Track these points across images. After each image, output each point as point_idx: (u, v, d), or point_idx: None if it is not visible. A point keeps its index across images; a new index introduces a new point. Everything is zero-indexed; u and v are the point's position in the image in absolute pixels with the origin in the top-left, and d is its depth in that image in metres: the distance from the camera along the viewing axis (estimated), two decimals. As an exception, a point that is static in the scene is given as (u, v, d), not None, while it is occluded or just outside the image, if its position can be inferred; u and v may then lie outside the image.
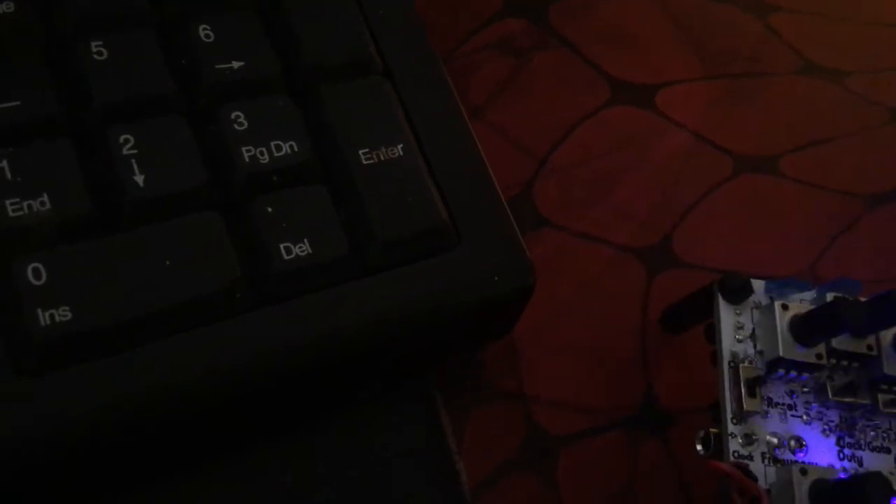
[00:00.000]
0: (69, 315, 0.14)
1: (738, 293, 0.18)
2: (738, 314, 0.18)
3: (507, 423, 0.19)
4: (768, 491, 0.16)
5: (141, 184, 0.15)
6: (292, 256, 0.16)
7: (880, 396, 0.18)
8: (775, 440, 0.17)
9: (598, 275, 0.21)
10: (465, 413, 0.18)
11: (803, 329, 0.17)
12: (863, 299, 0.18)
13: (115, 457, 0.15)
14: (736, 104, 0.24)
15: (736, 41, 0.25)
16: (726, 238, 0.22)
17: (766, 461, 0.17)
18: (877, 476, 0.15)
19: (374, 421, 0.18)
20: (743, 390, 0.17)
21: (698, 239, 0.22)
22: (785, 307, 0.17)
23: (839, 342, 0.17)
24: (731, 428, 0.17)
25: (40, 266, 0.14)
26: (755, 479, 0.16)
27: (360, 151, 0.17)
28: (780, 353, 0.17)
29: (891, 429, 0.18)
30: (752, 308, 0.18)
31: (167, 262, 0.15)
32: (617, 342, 0.20)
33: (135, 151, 0.16)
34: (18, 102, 0.15)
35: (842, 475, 0.16)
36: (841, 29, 0.27)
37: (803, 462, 0.17)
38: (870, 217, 0.24)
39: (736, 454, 0.17)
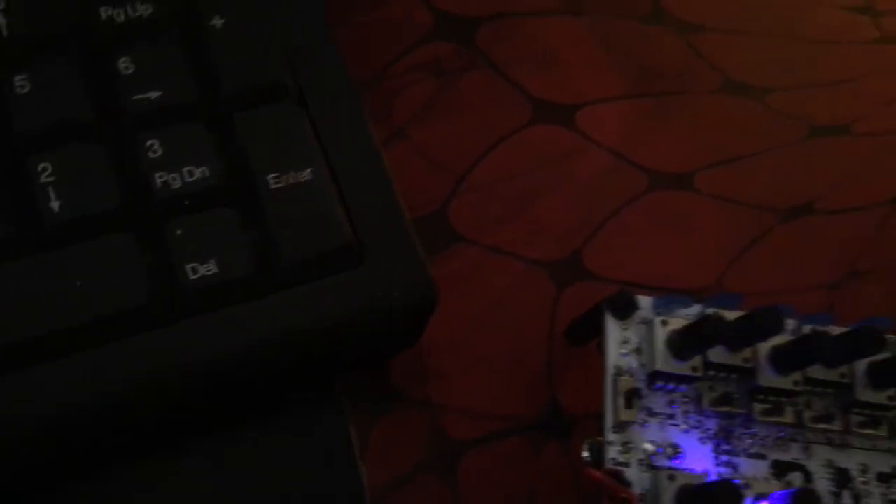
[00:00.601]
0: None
1: (624, 309, 0.19)
2: (625, 329, 0.19)
3: (413, 429, 0.20)
4: (643, 496, 0.18)
5: (56, 209, 0.17)
6: (198, 276, 0.17)
7: (756, 406, 0.19)
8: (651, 448, 0.18)
9: (508, 289, 0.22)
10: (372, 419, 0.20)
11: (679, 343, 0.18)
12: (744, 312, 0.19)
13: (23, 466, 0.16)
14: (656, 123, 0.25)
15: (659, 61, 0.26)
16: (636, 252, 0.23)
17: (643, 468, 0.18)
18: (726, 484, 0.16)
19: (282, 426, 0.19)
20: (620, 401, 0.18)
21: (608, 253, 0.23)
22: (664, 322, 0.19)
23: (716, 355, 0.18)
24: (610, 437, 0.18)
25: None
26: (629, 485, 0.17)
27: (270, 176, 0.18)
28: (657, 367, 0.18)
29: (768, 436, 0.19)
30: (637, 323, 0.19)
31: (78, 283, 0.16)
32: (525, 353, 0.21)
33: (52, 179, 0.17)
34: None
35: (709, 480, 0.17)
36: (764, 46, 0.28)
37: (679, 468, 0.18)
38: (781, 230, 0.25)
39: (613, 461, 0.18)
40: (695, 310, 0.19)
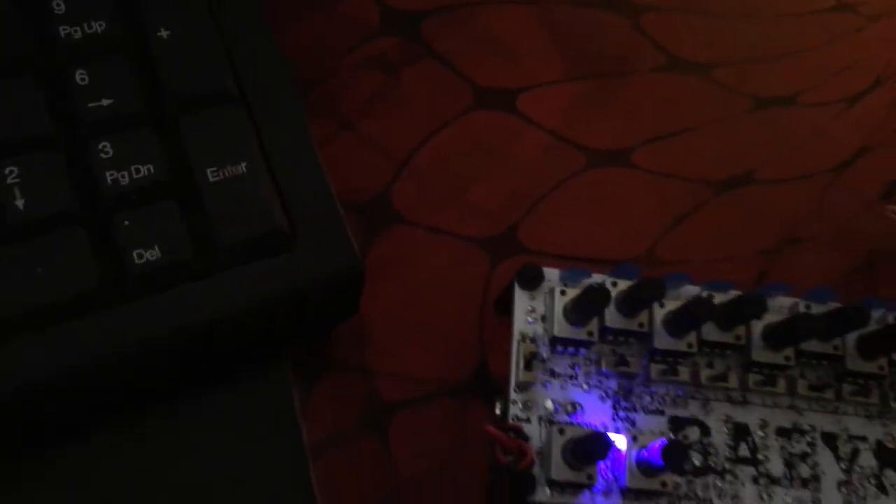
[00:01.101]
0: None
1: (531, 281, 0.21)
2: (533, 299, 0.21)
3: (350, 392, 0.22)
4: (540, 449, 0.19)
5: (21, 207, 0.19)
6: (143, 261, 0.20)
7: (653, 367, 0.20)
8: (551, 406, 0.20)
9: (445, 265, 0.24)
10: (313, 384, 0.22)
11: (574, 311, 0.20)
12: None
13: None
14: (597, 103, 0.27)
15: (603, 43, 0.28)
16: (570, 227, 0.25)
17: (543, 423, 0.20)
18: (599, 434, 0.18)
19: (232, 390, 0.22)
20: (521, 364, 0.20)
21: (543, 229, 0.25)
22: (563, 292, 0.20)
23: (612, 321, 0.20)
24: (513, 396, 0.20)
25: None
26: (528, 439, 0.19)
27: (209, 170, 0.21)
28: (555, 333, 0.20)
29: (667, 394, 0.21)
30: (545, 294, 0.21)
31: (38, 270, 0.19)
32: (458, 323, 0.23)
33: (17, 181, 0.20)
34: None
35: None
36: (709, 24, 0.29)
37: (577, 423, 0.20)
38: (716, 202, 0.26)
39: (515, 417, 0.20)
40: (597, 280, 0.21)
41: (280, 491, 0.21)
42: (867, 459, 0.21)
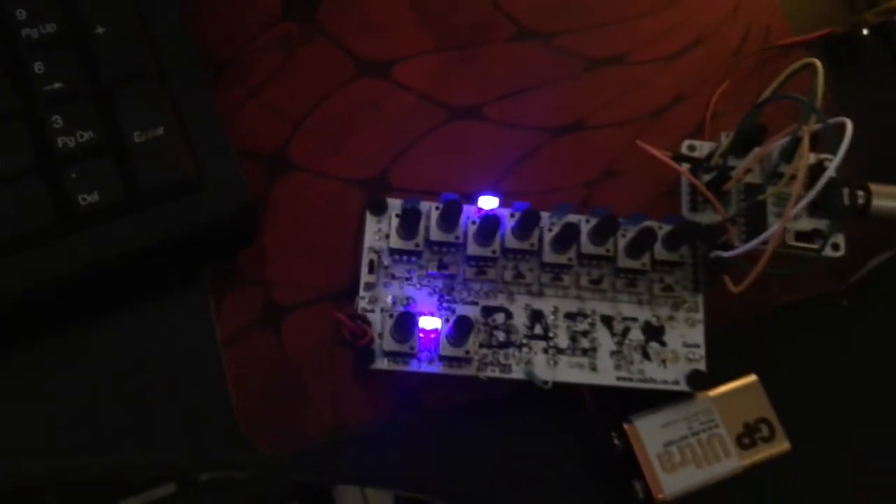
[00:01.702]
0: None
1: (377, 207, 0.28)
2: (379, 222, 0.28)
3: (253, 298, 0.29)
4: (381, 333, 0.26)
5: (-7, 167, 0.27)
6: (86, 203, 0.27)
7: (468, 269, 0.27)
8: (390, 300, 0.27)
9: (330, 200, 0.31)
10: (224, 293, 0.29)
11: (401, 229, 0.27)
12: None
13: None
14: (458, 68, 0.33)
15: (464, 18, 0.34)
16: (432, 169, 0.32)
17: (384, 313, 0.27)
18: (404, 314, 0.25)
19: (160, 302, 0.29)
20: (367, 270, 0.27)
21: (409, 171, 0.31)
22: (398, 215, 0.27)
23: (435, 234, 0.27)
24: (361, 293, 0.27)
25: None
26: (370, 324, 0.26)
27: (135, 133, 0.28)
28: (391, 245, 0.27)
29: (480, 289, 0.27)
30: (390, 217, 0.28)
31: (12, 211, 0.26)
32: (337, 244, 0.30)
33: (-8, 147, 0.27)
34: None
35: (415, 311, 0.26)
36: (555, -1, 0.35)
37: (409, 311, 0.27)
38: (551, 145, 0.32)
39: (363, 309, 0.27)
40: (426, 206, 0.27)
41: (200, 374, 0.28)
42: (636, 335, 0.28)
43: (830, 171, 0.24)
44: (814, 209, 0.29)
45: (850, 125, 0.23)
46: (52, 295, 0.27)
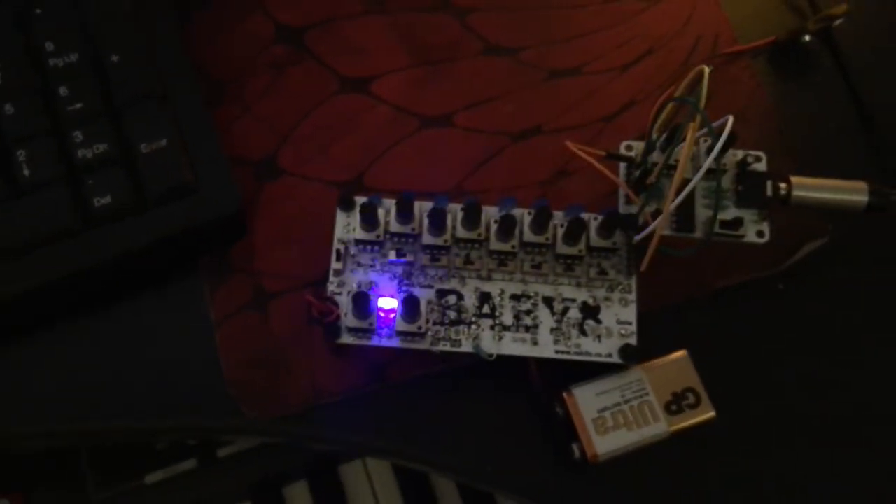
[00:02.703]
0: None
1: (346, 204, 0.32)
2: (349, 216, 0.32)
3: (242, 286, 0.34)
4: (345, 312, 0.30)
5: (27, 175, 0.32)
6: (100, 204, 0.32)
7: (424, 257, 0.31)
8: (356, 284, 0.31)
9: (311, 199, 0.35)
10: (218, 281, 0.34)
11: (363, 221, 0.31)
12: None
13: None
14: (430, 83, 0.37)
15: (437, 38, 0.38)
16: (404, 171, 0.36)
17: (349, 296, 0.31)
18: (358, 293, 0.29)
19: (162, 289, 0.33)
20: (333, 258, 0.31)
21: (383, 173, 0.36)
22: (361, 210, 0.31)
23: (394, 226, 0.31)
24: (331, 279, 0.31)
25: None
26: (337, 305, 0.30)
27: (142, 145, 0.32)
28: (356, 236, 0.31)
29: (435, 275, 0.31)
30: (357, 213, 0.32)
31: (42, 212, 0.31)
32: (318, 239, 0.34)
33: (25, 159, 0.32)
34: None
35: (373, 294, 0.30)
36: (519, 17, 0.38)
37: (364, 292, 0.30)
38: (512, 148, 0.36)
39: (332, 292, 0.31)
40: (389, 204, 0.32)
41: (196, 350, 0.33)
42: (574, 314, 0.31)
43: (709, 161, 0.27)
44: (741, 200, 0.32)
45: (731, 120, 0.26)
46: (73, 283, 0.32)
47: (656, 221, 0.28)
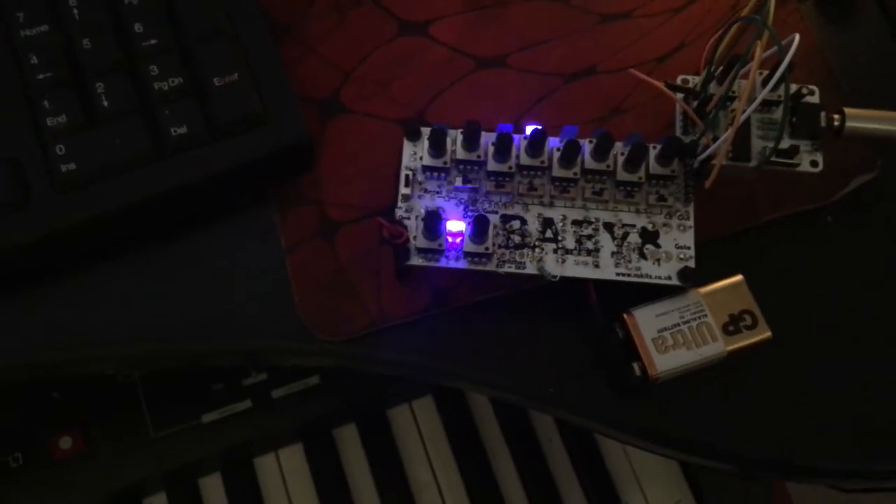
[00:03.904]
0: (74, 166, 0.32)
1: (413, 133, 0.33)
2: (415, 146, 0.33)
3: (310, 215, 0.35)
4: (415, 235, 0.32)
5: (105, 105, 0.33)
6: (177, 134, 0.33)
7: (488, 183, 0.32)
8: (423, 209, 0.32)
9: (374, 135, 0.36)
10: (287, 210, 0.35)
11: (431, 148, 0.32)
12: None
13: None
14: (484, 26, 0.38)
15: (492, -17, 0.39)
16: (462, 109, 0.37)
17: (418, 220, 0.32)
18: (429, 212, 0.30)
19: (236, 217, 0.35)
20: (402, 183, 0.32)
21: (443, 111, 0.37)
22: (430, 136, 0.32)
23: (461, 154, 0.32)
24: (399, 204, 0.32)
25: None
26: (406, 228, 0.32)
27: (215, 78, 0.34)
28: (423, 163, 0.32)
29: (499, 201, 0.32)
30: (423, 143, 0.33)
31: (117, 141, 0.32)
32: (381, 172, 0.35)
33: (104, 91, 0.33)
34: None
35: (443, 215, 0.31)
36: (571, -36, 0.40)
37: (435, 211, 0.32)
38: (565, 88, 0.37)
39: (400, 217, 0.32)
40: (455, 133, 0.33)
41: (269, 274, 0.34)
42: (634, 239, 0.32)
43: (777, 75, 0.28)
44: (795, 131, 0.33)
45: (797, 38, 0.27)
46: (149, 209, 0.33)
47: (725, 134, 0.29)
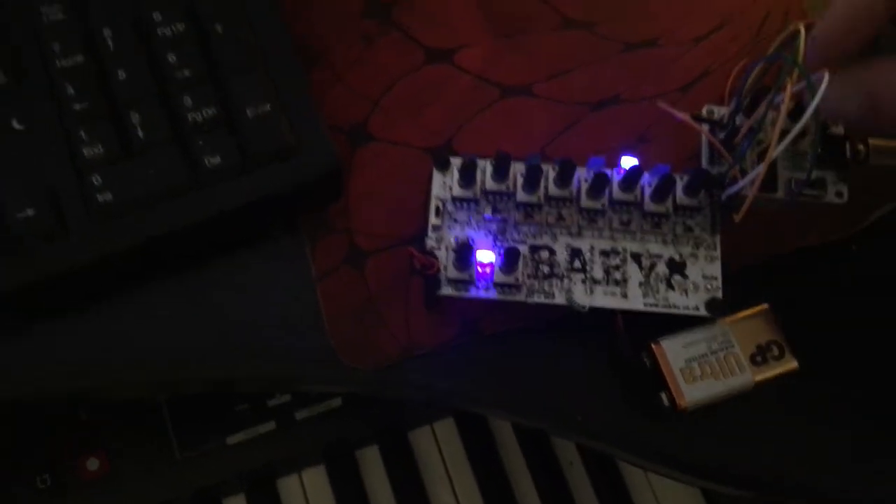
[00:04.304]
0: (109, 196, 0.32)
1: (443, 164, 0.33)
2: (445, 176, 0.33)
3: (340, 244, 0.35)
4: (445, 265, 0.32)
5: (141, 136, 0.33)
6: (211, 165, 0.33)
7: (517, 214, 0.33)
8: (453, 239, 0.33)
9: (402, 163, 0.37)
10: (317, 239, 0.35)
11: (461, 179, 0.32)
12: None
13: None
14: (510, 55, 0.39)
15: (516, 10, 0.40)
16: (489, 137, 0.37)
17: (448, 251, 0.32)
18: (462, 244, 0.30)
19: (266, 245, 0.35)
20: (432, 214, 0.33)
21: (470, 139, 0.37)
22: (459, 169, 0.33)
23: (490, 185, 0.32)
24: (429, 234, 0.33)
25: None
26: (437, 258, 0.32)
27: (248, 109, 0.34)
28: (453, 194, 0.33)
29: (528, 231, 0.33)
30: (453, 173, 0.33)
31: (151, 171, 0.33)
32: (409, 201, 0.36)
33: (141, 122, 0.34)
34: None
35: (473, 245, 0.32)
36: (595, -7, 0.40)
37: (467, 242, 0.32)
38: (591, 117, 0.38)
39: (431, 247, 0.32)
40: (484, 164, 0.33)
41: (299, 302, 0.34)
42: (661, 269, 0.33)
43: (808, 112, 0.28)
44: (820, 162, 0.33)
45: (826, 76, 0.28)
46: (184, 238, 0.34)
47: (757, 169, 0.30)
